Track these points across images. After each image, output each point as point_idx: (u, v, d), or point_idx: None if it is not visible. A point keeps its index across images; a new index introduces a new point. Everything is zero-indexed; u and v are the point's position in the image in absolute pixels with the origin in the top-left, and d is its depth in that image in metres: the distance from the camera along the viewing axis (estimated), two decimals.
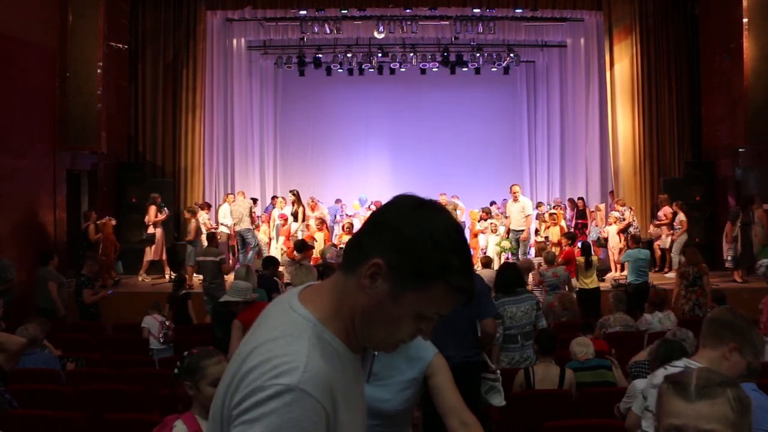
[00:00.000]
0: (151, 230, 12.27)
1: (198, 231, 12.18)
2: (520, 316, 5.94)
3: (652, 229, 12.78)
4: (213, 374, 2.72)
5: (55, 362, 6.07)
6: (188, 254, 11.98)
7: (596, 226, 13.52)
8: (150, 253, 12.24)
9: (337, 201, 16.58)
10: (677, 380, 1.48)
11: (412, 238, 1.25)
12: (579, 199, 14.89)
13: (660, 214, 12.49)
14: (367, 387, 2.32)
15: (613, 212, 12.83)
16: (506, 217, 13.27)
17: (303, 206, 13.64)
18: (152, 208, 12.22)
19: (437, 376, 2.56)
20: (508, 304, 5.94)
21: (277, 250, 13.00)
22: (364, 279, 1.27)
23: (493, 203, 15.43)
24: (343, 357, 1.31)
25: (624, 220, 12.46)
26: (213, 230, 12.46)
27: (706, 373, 1.49)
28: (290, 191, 13.96)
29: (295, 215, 13.48)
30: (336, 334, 1.31)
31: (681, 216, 12.06)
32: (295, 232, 13.22)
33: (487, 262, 11.00)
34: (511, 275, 6.17)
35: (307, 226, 13.36)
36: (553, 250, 11.24)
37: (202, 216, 12.88)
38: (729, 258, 11.40)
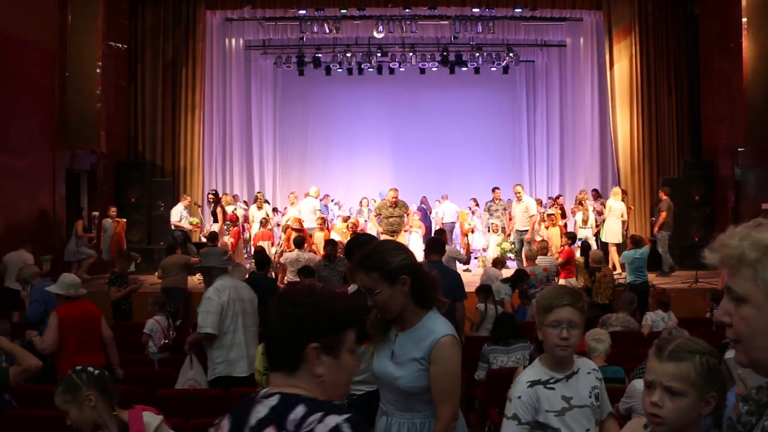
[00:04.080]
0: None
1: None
2: (510, 366, 5.78)
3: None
4: None
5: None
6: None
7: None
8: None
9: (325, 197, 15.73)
10: (659, 344, 1.68)
11: None
12: (558, 196, 14.97)
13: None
14: (388, 363, 2.57)
15: (548, 210, 12.85)
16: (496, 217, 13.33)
17: (221, 206, 12.63)
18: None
19: (432, 365, 2.51)
20: (499, 353, 5.89)
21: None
22: None
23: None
24: None
25: (555, 220, 12.85)
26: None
27: (686, 340, 1.67)
28: (209, 192, 13.16)
29: (214, 215, 12.63)
30: None
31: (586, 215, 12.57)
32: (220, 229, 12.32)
33: (496, 262, 10.62)
34: (507, 327, 6.05)
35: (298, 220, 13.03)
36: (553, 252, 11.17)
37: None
38: None
